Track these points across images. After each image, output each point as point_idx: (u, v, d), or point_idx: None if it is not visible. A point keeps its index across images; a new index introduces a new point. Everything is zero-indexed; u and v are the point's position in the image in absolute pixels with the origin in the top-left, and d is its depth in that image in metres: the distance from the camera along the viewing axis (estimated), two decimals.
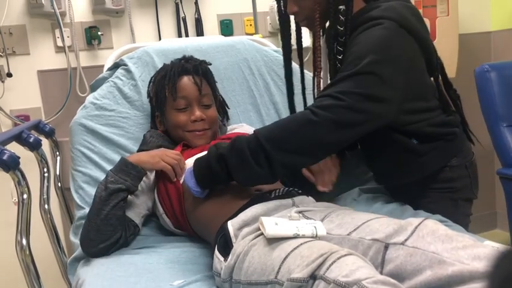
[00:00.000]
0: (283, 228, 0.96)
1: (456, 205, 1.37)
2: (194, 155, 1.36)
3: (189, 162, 1.35)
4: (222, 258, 1.04)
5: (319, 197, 1.31)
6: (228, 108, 1.62)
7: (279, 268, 0.89)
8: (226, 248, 1.06)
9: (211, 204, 1.22)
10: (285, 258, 0.89)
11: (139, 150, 1.45)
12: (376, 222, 0.98)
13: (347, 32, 1.24)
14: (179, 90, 1.44)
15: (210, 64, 1.57)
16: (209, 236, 1.24)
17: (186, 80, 1.45)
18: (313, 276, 0.82)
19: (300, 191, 1.24)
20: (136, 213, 1.32)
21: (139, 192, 1.34)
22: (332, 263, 0.81)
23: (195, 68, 1.48)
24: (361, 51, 1.15)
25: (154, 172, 1.37)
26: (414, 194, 1.39)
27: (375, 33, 1.18)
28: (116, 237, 1.24)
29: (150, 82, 1.56)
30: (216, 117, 1.50)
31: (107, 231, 1.22)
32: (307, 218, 1.09)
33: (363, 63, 1.13)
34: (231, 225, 1.07)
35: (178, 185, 1.31)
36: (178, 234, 1.37)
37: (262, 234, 0.98)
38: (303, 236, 0.95)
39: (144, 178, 1.32)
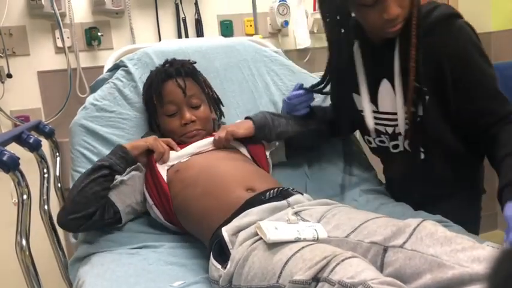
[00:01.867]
0: (284, 233, 0.95)
1: (478, 200, 1.43)
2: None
3: (184, 151, 1.39)
4: (219, 266, 1.03)
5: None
6: (223, 106, 1.61)
7: (281, 272, 0.88)
8: (222, 254, 1.05)
9: (200, 199, 1.22)
10: (286, 262, 0.88)
11: None
12: (374, 223, 0.98)
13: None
14: (165, 95, 1.44)
15: (195, 62, 1.55)
16: (199, 235, 1.24)
17: (171, 85, 1.45)
18: (316, 279, 0.82)
19: (295, 189, 1.23)
20: (121, 200, 1.32)
21: (130, 181, 1.35)
22: (336, 265, 0.81)
23: (177, 70, 1.46)
24: (476, 62, 1.21)
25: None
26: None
27: (466, 38, 1.22)
28: (88, 211, 1.23)
29: (143, 90, 1.56)
30: (207, 116, 1.49)
31: (79, 203, 1.23)
32: (304, 219, 1.08)
33: (488, 78, 1.22)
34: (226, 231, 1.06)
35: (162, 180, 1.32)
36: (171, 228, 1.36)
37: (261, 238, 0.98)
38: (304, 240, 0.94)
39: (138, 172, 1.35)
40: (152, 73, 1.51)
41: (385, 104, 1.33)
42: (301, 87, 1.50)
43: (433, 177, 1.33)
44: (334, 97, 1.51)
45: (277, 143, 1.51)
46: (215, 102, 1.57)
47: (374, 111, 1.36)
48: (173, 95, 1.44)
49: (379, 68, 1.31)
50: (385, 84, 1.31)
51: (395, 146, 1.37)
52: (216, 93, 1.59)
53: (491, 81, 1.23)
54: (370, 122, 1.36)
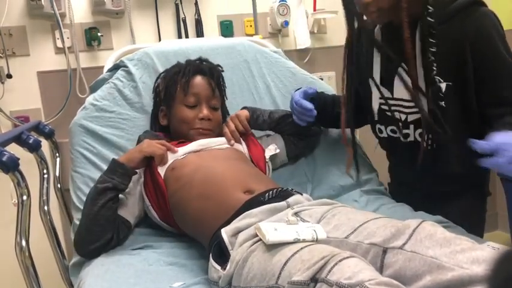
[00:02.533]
0: (283, 234, 0.95)
1: (484, 202, 1.42)
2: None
3: (183, 148, 1.38)
4: (218, 267, 1.03)
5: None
6: (228, 115, 1.62)
7: (280, 273, 0.88)
8: (221, 256, 1.05)
9: (196, 199, 1.22)
10: (285, 263, 0.88)
11: None
12: (373, 224, 0.98)
13: (436, 22, 1.21)
14: (192, 86, 1.46)
15: (223, 70, 1.58)
16: (197, 236, 1.24)
17: (200, 79, 1.49)
18: (314, 279, 0.82)
19: (294, 189, 1.23)
20: (130, 213, 1.33)
21: (132, 190, 1.35)
22: (334, 266, 0.81)
23: (210, 70, 1.51)
24: (498, 49, 1.20)
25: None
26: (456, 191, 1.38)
27: (489, 24, 1.22)
28: (106, 238, 1.24)
29: (158, 77, 1.58)
30: (220, 121, 1.52)
31: (96, 232, 1.23)
32: (303, 220, 1.08)
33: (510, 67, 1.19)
34: (225, 232, 1.06)
35: (160, 179, 1.32)
36: (167, 229, 1.36)
37: (260, 240, 0.98)
38: (303, 241, 0.94)
39: (135, 176, 1.34)
40: (181, 63, 1.54)
41: (400, 91, 1.32)
42: (313, 98, 1.49)
43: (441, 172, 1.32)
44: (350, 82, 1.46)
45: (277, 150, 1.51)
46: (223, 112, 1.59)
47: (388, 98, 1.35)
48: (200, 89, 1.47)
49: (397, 52, 1.30)
50: (401, 70, 1.30)
51: (406, 136, 1.36)
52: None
53: (507, 75, 1.22)
54: (375, 104, 1.36)
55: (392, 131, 1.39)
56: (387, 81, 1.34)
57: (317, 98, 1.53)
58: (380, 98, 1.36)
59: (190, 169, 1.29)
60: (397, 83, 1.32)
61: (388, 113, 1.36)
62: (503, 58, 1.21)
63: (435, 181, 1.36)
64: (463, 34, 1.21)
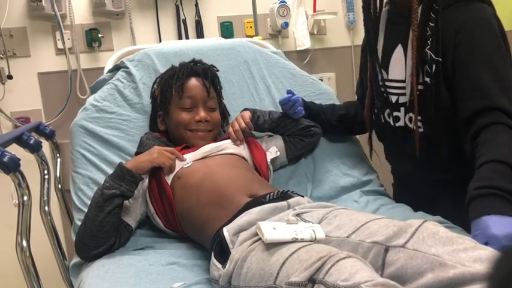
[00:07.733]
0: (282, 233, 0.95)
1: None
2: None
3: (189, 156, 1.38)
4: (219, 265, 1.04)
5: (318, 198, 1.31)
6: (229, 115, 1.62)
7: (278, 273, 0.88)
8: (223, 254, 1.05)
9: (205, 208, 1.22)
10: (283, 263, 0.89)
11: (136, 153, 1.45)
12: (375, 224, 0.97)
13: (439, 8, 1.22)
14: (186, 90, 1.46)
15: (218, 70, 1.59)
16: (202, 239, 1.24)
17: (195, 81, 1.48)
18: (312, 280, 0.82)
19: (295, 192, 1.24)
20: (132, 217, 1.33)
21: (136, 195, 1.34)
22: (331, 267, 0.81)
23: (204, 71, 1.51)
24: (485, 48, 1.19)
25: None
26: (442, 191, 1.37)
27: (484, 18, 1.22)
28: (110, 243, 1.25)
29: (154, 83, 1.58)
30: (219, 121, 1.52)
31: (100, 238, 1.23)
32: (305, 220, 1.08)
33: (497, 64, 1.17)
34: (227, 231, 1.06)
35: (167, 187, 1.31)
36: (171, 235, 1.36)
37: (260, 239, 0.98)
38: (302, 240, 0.94)
39: (140, 183, 1.33)
40: (175, 67, 1.53)
41: (395, 71, 1.33)
42: (289, 92, 1.53)
43: (433, 160, 1.30)
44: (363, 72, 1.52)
45: (278, 152, 1.52)
46: (222, 111, 1.59)
47: (386, 80, 1.36)
48: (195, 91, 1.47)
49: (396, 34, 1.32)
50: (398, 50, 1.32)
51: (396, 119, 1.36)
52: (224, 103, 1.62)
53: (487, 68, 1.17)
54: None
55: (387, 114, 1.40)
56: (384, 62, 1.37)
57: (310, 105, 1.59)
58: (380, 80, 1.38)
59: (197, 178, 1.29)
60: (392, 63, 1.35)
61: (384, 95, 1.37)
62: (485, 54, 1.18)
63: (427, 172, 1.35)
64: (453, 23, 1.21)
